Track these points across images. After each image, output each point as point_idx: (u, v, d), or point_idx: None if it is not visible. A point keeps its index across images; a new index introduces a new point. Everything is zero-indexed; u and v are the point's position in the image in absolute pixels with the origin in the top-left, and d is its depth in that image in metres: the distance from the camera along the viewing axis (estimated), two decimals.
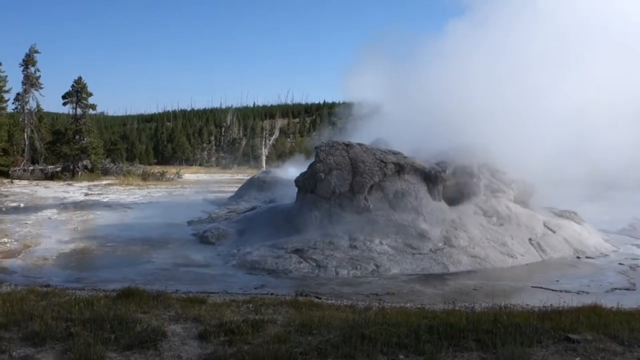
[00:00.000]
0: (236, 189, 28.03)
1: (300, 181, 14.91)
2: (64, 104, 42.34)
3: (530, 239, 13.64)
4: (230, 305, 6.98)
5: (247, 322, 5.70)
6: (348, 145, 14.62)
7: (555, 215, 15.70)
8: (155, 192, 30.90)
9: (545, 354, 4.82)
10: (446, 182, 14.73)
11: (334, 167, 14.09)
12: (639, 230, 16.93)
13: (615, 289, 10.09)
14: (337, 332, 5.38)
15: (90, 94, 42.17)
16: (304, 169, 15.59)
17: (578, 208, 16.15)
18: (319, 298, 8.51)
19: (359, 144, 14.93)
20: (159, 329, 5.39)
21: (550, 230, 14.30)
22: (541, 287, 10.17)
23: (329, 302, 8.01)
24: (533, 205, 15.98)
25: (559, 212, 16.01)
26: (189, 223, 17.83)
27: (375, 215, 13.48)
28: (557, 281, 10.75)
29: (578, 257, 13.24)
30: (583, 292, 9.70)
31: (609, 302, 7.30)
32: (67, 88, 41.94)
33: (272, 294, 8.76)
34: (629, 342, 5.18)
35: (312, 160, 15.22)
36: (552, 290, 9.84)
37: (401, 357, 4.77)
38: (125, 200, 25.90)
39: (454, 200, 14.91)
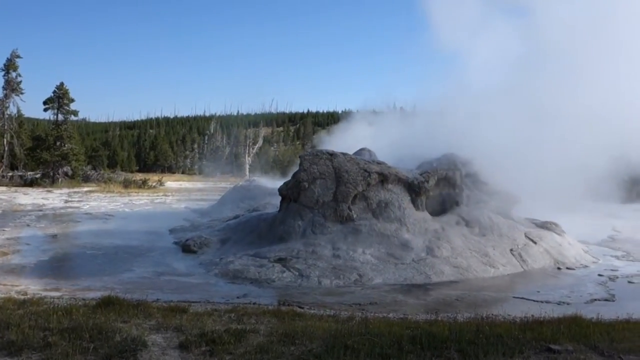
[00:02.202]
0: (219, 197, 27.89)
1: (283, 190, 14.88)
2: (45, 109, 41.89)
3: (511, 250, 13.74)
4: (212, 314, 6.92)
5: (229, 332, 5.64)
6: (332, 155, 14.63)
7: (536, 226, 15.85)
8: (137, 199, 30.62)
9: None
10: (429, 192, 14.81)
11: (318, 177, 14.09)
12: (618, 241, 17.16)
13: (595, 300, 10.18)
14: (319, 342, 5.35)
15: (72, 100, 41.76)
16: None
17: (559, 219, 16.33)
18: (302, 308, 8.47)
19: (342, 153, 14.95)
20: (139, 338, 5.31)
21: (532, 241, 14.43)
22: (522, 298, 10.23)
23: (312, 311, 7.98)
24: (515, 216, 16.14)
25: (540, 223, 16.17)
26: (171, 231, 17.68)
27: (359, 224, 13.49)
28: (538, 292, 10.82)
29: (558, 268, 13.36)
30: (563, 302, 9.78)
31: (589, 313, 7.37)
32: (49, 93, 41.58)
33: (254, 303, 8.70)
34: (609, 353, 5.22)
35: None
36: (534, 300, 9.88)
37: None
38: (106, 207, 25.61)
39: (436, 210, 15.00)
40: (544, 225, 15.94)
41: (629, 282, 11.88)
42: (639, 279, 12.12)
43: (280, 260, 12.19)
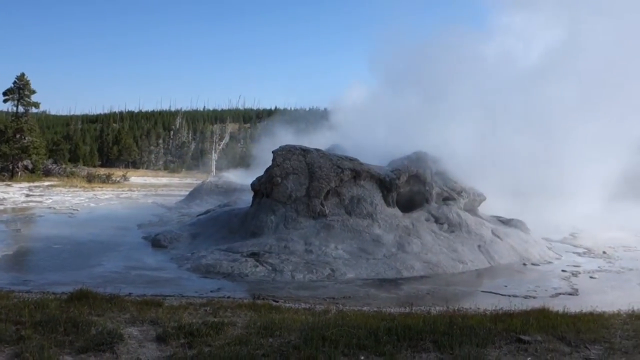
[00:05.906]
0: (186, 193, 27.66)
1: (256, 185, 14.84)
2: (5, 101, 40.68)
3: (479, 246, 14.03)
4: (188, 308, 6.88)
5: (206, 325, 5.63)
6: (305, 151, 14.66)
7: (502, 224, 16.23)
8: (101, 194, 30.05)
9: (499, 354, 5.00)
10: (400, 189, 14.99)
11: (291, 172, 14.11)
12: (579, 239, 17.70)
13: (560, 293, 10.50)
14: (297, 334, 5.40)
15: (33, 92, 40.65)
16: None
17: (524, 217, 16.74)
18: (276, 301, 8.50)
19: (316, 149, 15.00)
20: (115, 331, 5.25)
21: (498, 237, 14.76)
22: (491, 292, 10.48)
23: (287, 305, 8.01)
24: (482, 213, 16.49)
25: (506, 220, 16.57)
26: (139, 226, 17.44)
27: (331, 220, 13.57)
28: (506, 286, 11.11)
29: (524, 264, 13.73)
30: (530, 296, 10.06)
31: (555, 306, 7.57)
32: (9, 84, 40.34)
33: (229, 297, 8.69)
34: (575, 343, 5.42)
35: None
36: (501, 294, 10.14)
37: (362, 358, 4.83)
38: (70, 202, 25.07)
39: (407, 207, 15.20)
40: (510, 223, 16.34)
41: (591, 277, 12.31)
42: (600, 275, 12.57)
43: (253, 255, 12.17)
